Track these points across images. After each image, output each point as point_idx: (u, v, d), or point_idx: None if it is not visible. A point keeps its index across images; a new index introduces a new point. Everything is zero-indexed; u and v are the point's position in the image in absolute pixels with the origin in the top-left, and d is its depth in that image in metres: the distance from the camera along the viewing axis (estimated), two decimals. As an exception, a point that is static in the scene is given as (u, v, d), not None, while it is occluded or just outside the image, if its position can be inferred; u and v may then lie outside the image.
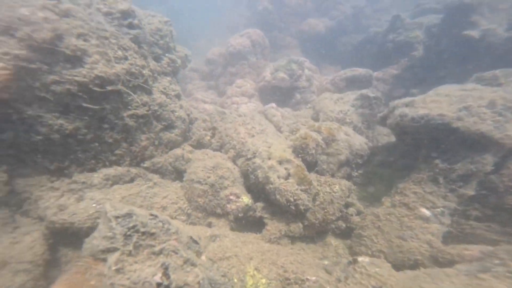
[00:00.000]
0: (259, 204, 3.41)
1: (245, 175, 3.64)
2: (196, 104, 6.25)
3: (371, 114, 4.09)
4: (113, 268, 1.83)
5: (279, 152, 3.36)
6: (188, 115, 4.40)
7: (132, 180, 3.42)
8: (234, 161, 4.01)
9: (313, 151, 3.17)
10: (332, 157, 3.26)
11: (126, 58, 3.09)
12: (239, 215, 3.29)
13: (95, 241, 2.02)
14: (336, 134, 3.32)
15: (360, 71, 5.54)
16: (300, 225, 3.09)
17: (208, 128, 4.71)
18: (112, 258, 1.93)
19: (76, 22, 2.57)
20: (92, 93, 2.73)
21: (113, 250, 1.98)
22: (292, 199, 2.89)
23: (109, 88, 2.83)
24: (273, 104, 6.44)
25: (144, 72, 3.29)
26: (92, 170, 3.10)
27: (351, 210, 3.10)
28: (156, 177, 3.71)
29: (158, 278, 1.89)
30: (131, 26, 3.21)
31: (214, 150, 4.40)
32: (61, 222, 2.63)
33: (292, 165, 3.13)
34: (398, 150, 2.94)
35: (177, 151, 3.94)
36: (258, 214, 3.35)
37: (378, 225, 2.48)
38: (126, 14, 3.13)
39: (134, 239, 2.09)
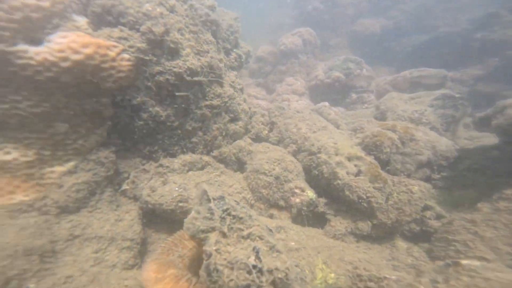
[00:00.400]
0: (322, 200, 3.43)
1: (307, 169, 3.72)
2: (249, 99, 6.44)
3: (454, 115, 3.88)
4: (214, 248, 1.94)
5: (347, 149, 3.36)
6: (250, 108, 4.58)
7: (202, 167, 3.65)
8: (294, 155, 4.09)
9: (388, 150, 3.12)
10: (409, 157, 3.18)
11: (208, 52, 3.33)
12: (303, 208, 3.35)
13: (195, 221, 2.19)
14: (415, 134, 3.22)
15: (430, 71, 5.26)
16: (369, 223, 3.06)
17: (266, 123, 4.86)
18: (212, 238, 2.07)
19: (177, 17, 2.84)
20: (182, 84, 2.99)
21: (212, 230, 2.13)
22: (364, 196, 2.89)
23: (195, 78, 3.07)
24: (326, 103, 6.40)
25: (221, 65, 3.51)
26: (173, 155, 3.39)
27: (429, 213, 3.00)
28: (222, 167, 3.92)
29: (252, 260, 1.97)
30: (213, 21, 3.44)
31: (272, 144, 4.52)
32: (153, 202, 2.91)
33: (363, 162, 3.12)
34: (505, 154, 2.75)
35: (241, 143, 4.12)
36: (320, 209, 3.40)
37: (474, 231, 2.36)
38: (211, 10, 3.36)
39: (228, 221, 2.23)
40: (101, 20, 2.46)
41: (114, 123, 2.81)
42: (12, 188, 2.16)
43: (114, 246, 2.63)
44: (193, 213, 2.31)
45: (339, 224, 3.14)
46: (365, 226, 3.09)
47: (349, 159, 3.20)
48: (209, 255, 2.00)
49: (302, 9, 11.30)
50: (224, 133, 3.91)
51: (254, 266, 1.93)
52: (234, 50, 4.32)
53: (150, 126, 2.98)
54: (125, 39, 2.45)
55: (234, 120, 4.09)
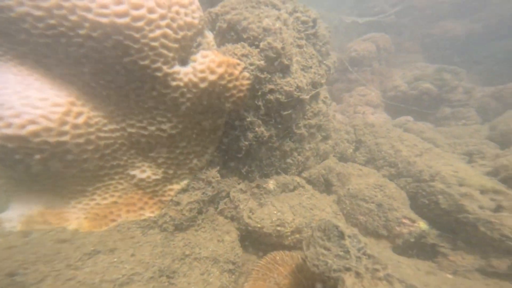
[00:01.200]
0: (433, 231, 3.18)
1: (411, 197, 3.48)
2: (322, 112, 6.23)
3: None
4: (351, 291, 1.83)
5: (477, 180, 2.99)
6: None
7: (294, 189, 3.54)
8: (391, 180, 3.81)
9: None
10: None
11: (311, 67, 3.24)
12: (411, 240, 3.14)
13: (326, 258, 2.06)
14: None
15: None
16: (508, 262, 2.69)
17: (351, 141, 4.60)
18: (348, 280, 1.97)
19: (289, 31, 2.79)
20: (288, 102, 2.92)
21: (346, 270, 2.02)
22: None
23: (302, 97, 2.97)
24: (409, 117, 5.91)
25: (322, 81, 3.38)
26: (267, 176, 3.33)
27: None
28: (311, 188, 3.77)
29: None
30: (315, 34, 3.36)
31: (359, 164, 4.26)
32: (253, 225, 2.86)
33: (505, 197, 2.73)
34: None
35: (330, 163, 3.94)
36: (429, 241, 3.17)
37: None
38: (314, 23, 3.28)
39: (364, 261, 2.10)
40: (224, 35, 2.52)
41: (221, 142, 2.84)
42: (142, 204, 2.27)
43: (216, 268, 2.63)
44: (318, 248, 2.22)
45: (461, 259, 2.92)
46: (501, 264, 2.79)
47: (482, 191, 2.85)
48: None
49: (363, 12, 10.88)
50: (315, 153, 3.76)
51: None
52: (324, 61, 4.19)
53: (253, 147, 2.96)
54: (246, 56, 2.46)
55: (325, 139, 3.94)
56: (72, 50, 1.53)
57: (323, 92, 3.98)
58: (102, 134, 1.87)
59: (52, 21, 1.42)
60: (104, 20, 1.43)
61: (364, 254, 2.09)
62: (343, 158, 4.42)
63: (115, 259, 2.04)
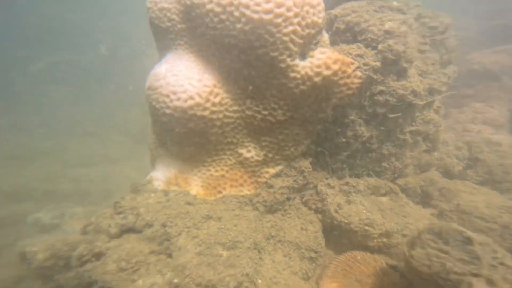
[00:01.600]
0: None
1: None
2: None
3: None
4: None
5: None
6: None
7: (385, 194, 3.27)
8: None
9: None
10: None
11: (431, 73, 2.90)
12: None
13: (444, 261, 1.85)
14: None
15: None
16: None
17: (462, 158, 3.91)
18: (478, 285, 1.72)
19: (413, 35, 2.58)
20: (398, 106, 2.71)
21: (474, 275, 1.78)
22: None
23: (415, 102, 2.70)
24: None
25: (442, 89, 2.98)
26: (357, 176, 3.19)
27: None
28: (404, 196, 3.42)
29: None
30: (442, 41, 2.98)
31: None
32: (339, 220, 2.80)
33: None
34: None
35: (433, 176, 3.53)
36: None
37: None
38: (445, 29, 2.92)
39: (501, 271, 1.83)
40: (339, 36, 2.54)
41: (318, 136, 2.88)
42: (242, 181, 2.54)
43: (297, 254, 2.69)
44: (430, 250, 2.02)
45: None
46: None
47: None
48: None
49: (489, 21, 8.88)
50: (416, 163, 3.38)
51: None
52: (444, 70, 3.69)
53: (350, 145, 2.88)
54: (361, 56, 2.42)
55: (430, 150, 3.48)
56: (227, 41, 1.87)
57: (436, 101, 3.50)
58: (227, 113, 2.20)
59: (223, 16, 1.76)
60: (255, 16, 1.69)
61: (501, 264, 1.80)
62: (447, 174, 3.83)
63: (222, 226, 2.29)
